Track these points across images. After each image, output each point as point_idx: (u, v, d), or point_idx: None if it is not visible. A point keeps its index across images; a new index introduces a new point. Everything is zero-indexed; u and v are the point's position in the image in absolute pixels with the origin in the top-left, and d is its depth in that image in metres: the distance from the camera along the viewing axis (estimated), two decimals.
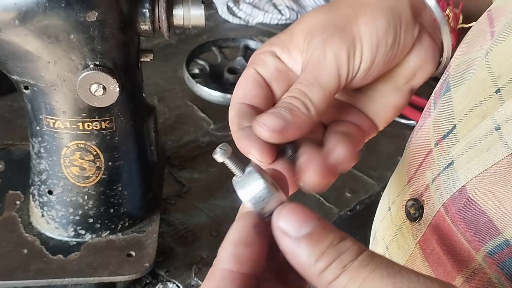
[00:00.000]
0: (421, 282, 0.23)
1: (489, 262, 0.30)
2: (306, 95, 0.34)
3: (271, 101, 0.37)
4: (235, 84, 1.03)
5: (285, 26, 1.13)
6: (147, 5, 0.50)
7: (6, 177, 0.66)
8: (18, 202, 0.63)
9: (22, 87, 0.52)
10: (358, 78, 0.37)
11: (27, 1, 0.45)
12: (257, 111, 0.35)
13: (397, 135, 0.87)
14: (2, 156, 0.69)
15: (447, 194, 0.34)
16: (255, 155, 0.32)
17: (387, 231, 0.41)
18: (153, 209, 0.64)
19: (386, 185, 0.79)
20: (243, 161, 0.29)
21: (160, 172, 0.70)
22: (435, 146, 0.36)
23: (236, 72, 0.93)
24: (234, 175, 0.28)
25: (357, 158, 0.36)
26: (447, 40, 0.39)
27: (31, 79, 0.50)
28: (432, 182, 0.35)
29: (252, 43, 1.00)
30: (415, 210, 0.37)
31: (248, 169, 0.28)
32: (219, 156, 0.28)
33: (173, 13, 0.51)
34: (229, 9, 1.15)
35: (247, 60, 0.96)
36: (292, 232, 0.26)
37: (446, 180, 0.34)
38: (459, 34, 0.40)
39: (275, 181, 0.29)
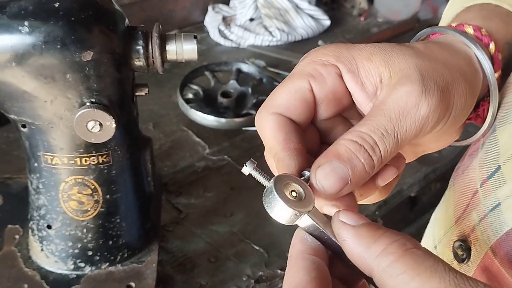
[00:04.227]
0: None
1: None
2: (377, 149, 0.29)
3: (310, 120, 0.33)
4: (228, 107, 1.03)
5: (277, 47, 1.15)
6: (140, 42, 0.51)
7: (4, 211, 0.67)
8: (17, 237, 0.63)
9: (20, 126, 0.53)
10: (424, 138, 0.33)
11: (24, 44, 0.46)
12: (297, 126, 0.32)
13: None
14: (0, 190, 0.69)
15: (494, 237, 0.33)
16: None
17: None
18: (151, 239, 0.64)
19: (382, 204, 0.80)
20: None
21: (158, 201, 0.71)
22: (480, 187, 0.36)
23: (230, 96, 0.94)
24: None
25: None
26: (494, 107, 0.36)
27: (29, 118, 0.51)
28: (479, 224, 0.35)
29: (244, 67, 1.02)
30: (462, 251, 0.36)
31: (270, 185, 0.28)
32: (246, 169, 0.29)
33: (166, 48, 0.52)
34: (220, 32, 1.16)
35: (240, 84, 0.97)
36: (351, 222, 0.26)
37: (493, 222, 0.34)
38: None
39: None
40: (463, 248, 0.36)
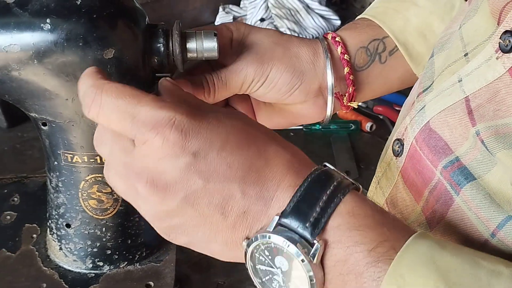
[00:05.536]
0: None
1: (444, 174, 0.40)
2: (215, 88, 0.50)
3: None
4: None
5: None
6: (161, 40, 0.51)
7: (21, 211, 0.66)
8: (35, 236, 0.63)
9: (40, 124, 0.53)
10: (254, 95, 0.52)
11: (45, 41, 0.46)
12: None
13: None
14: (17, 189, 0.69)
15: (417, 129, 0.43)
16: None
17: (379, 168, 0.51)
18: None
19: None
20: None
21: None
22: (416, 97, 0.46)
23: None
24: None
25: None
26: (330, 108, 0.54)
27: (50, 116, 0.51)
28: (410, 123, 0.45)
29: None
30: (398, 147, 0.47)
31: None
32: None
33: (187, 46, 0.52)
34: None
35: None
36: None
37: (418, 120, 0.44)
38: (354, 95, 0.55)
39: None
40: (399, 145, 0.46)
